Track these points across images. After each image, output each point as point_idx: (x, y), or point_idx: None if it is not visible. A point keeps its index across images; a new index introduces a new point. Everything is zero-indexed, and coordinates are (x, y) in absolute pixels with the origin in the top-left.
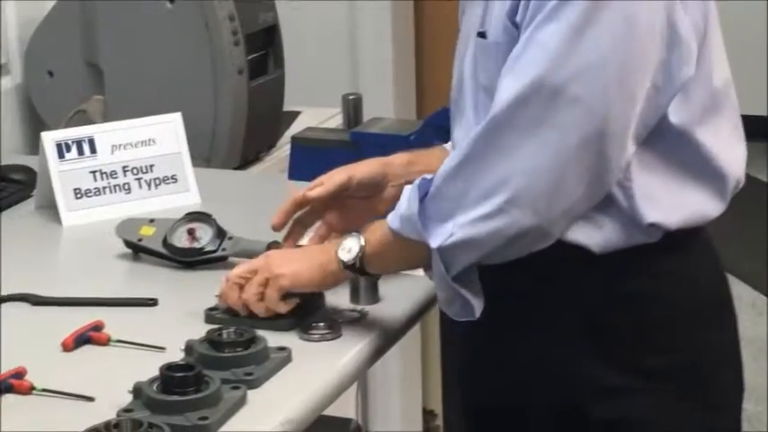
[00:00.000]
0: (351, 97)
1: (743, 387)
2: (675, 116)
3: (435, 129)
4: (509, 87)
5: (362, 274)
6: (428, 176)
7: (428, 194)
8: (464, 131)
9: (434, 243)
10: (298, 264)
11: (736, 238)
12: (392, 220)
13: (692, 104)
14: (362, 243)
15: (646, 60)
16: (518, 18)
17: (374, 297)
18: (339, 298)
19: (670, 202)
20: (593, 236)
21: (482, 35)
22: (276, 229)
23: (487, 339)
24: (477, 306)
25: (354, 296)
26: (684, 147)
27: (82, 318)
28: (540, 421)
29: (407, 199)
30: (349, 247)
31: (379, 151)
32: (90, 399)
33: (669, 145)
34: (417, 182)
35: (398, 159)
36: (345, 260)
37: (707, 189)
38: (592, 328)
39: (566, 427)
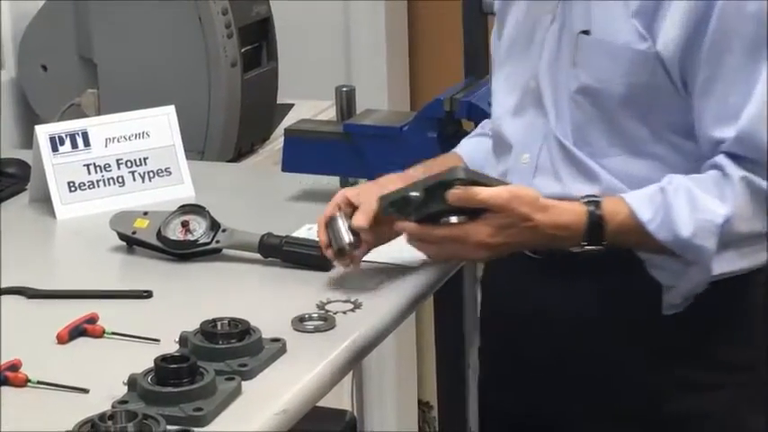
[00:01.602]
0: (344, 89)
1: None
2: None
3: (428, 120)
4: None
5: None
6: (722, 211)
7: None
8: (529, 124)
9: (716, 270)
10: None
11: None
12: (658, 230)
13: None
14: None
15: None
16: (670, 55)
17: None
18: (332, 290)
19: None
20: None
21: (586, 32)
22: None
23: (566, 338)
24: None
25: (336, 236)
26: None
27: (77, 310)
28: (605, 420)
29: (696, 226)
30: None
31: (373, 143)
32: (85, 391)
33: None
34: (719, 220)
35: (417, 173)
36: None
37: None
38: (672, 323)
39: (633, 425)
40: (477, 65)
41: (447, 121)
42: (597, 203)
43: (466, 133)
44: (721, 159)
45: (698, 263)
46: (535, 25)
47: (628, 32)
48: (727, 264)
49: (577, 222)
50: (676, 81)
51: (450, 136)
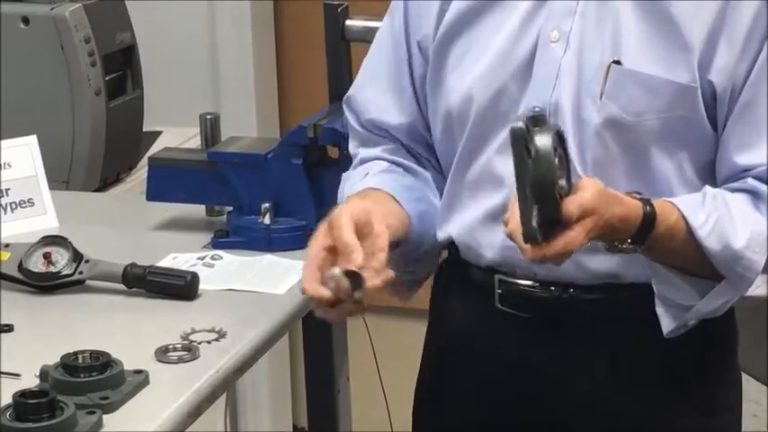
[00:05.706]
0: (208, 116)
1: None
2: None
3: (292, 147)
4: None
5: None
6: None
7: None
8: None
9: (751, 290)
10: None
11: None
12: (707, 236)
13: None
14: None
15: None
16: (723, 83)
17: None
18: (197, 320)
19: None
20: None
21: (617, 62)
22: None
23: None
24: None
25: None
26: None
27: None
28: None
29: (749, 237)
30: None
31: (237, 170)
32: None
33: None
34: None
35: (367, 202)
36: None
37: None
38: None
39: None
40: (341, 91)
41: (311, 147)
42: (650, 201)
43: (332, 159)
44: (751, 182)
45: (741, 278)
46: (534, 54)
47: (671, 64)
48: (758, 286)
49: (634, 217)
50: (718, 113)
51: (314, 163)
